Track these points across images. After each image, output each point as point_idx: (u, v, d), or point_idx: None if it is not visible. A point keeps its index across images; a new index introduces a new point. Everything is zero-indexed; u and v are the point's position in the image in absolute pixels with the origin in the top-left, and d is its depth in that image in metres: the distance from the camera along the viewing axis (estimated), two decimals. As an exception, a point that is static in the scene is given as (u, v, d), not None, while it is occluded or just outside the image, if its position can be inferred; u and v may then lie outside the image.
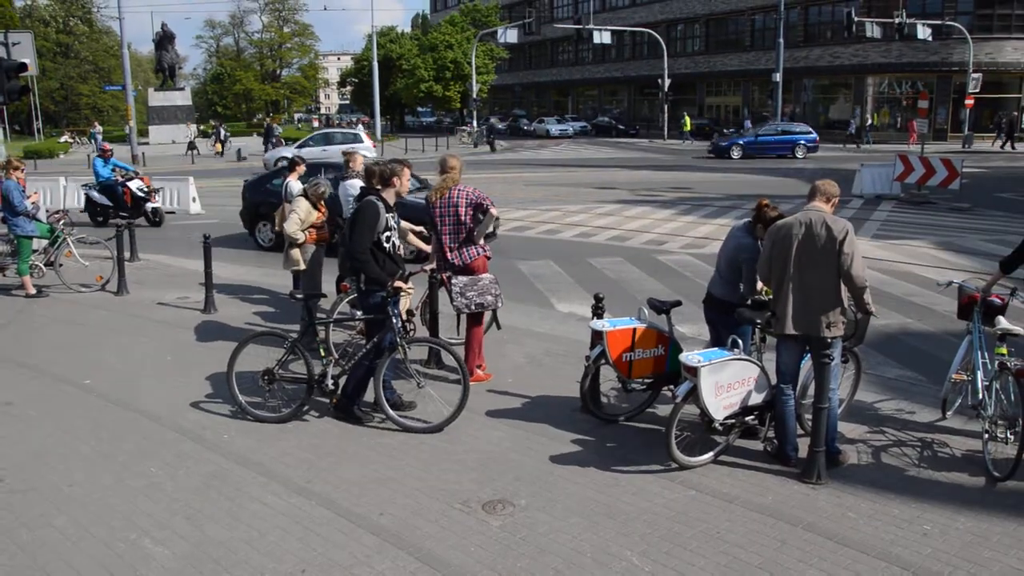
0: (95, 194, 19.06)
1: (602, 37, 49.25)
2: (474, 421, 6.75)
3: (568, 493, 5.53)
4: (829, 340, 5.70)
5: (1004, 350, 6.09)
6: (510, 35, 49.73)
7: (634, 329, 6.54)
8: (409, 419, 6.73)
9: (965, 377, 6.63)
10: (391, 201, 6.81)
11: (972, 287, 6.81)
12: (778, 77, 44.11)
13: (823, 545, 4.85)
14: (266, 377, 6.87)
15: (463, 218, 7.55)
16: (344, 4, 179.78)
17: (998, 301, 6.51)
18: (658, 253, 14.84)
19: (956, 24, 42.18)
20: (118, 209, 18.90)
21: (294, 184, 10.49)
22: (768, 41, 49.68)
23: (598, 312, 7.15)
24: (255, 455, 6.17)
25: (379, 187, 6.82)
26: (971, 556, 4.74)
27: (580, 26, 48.43)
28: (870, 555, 4.74)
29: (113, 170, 19.25)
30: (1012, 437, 5.80)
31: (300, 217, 8.90)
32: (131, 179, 19.18)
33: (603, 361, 6.57)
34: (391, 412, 6.69)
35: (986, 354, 6.38)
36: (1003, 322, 6.28)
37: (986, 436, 5.94)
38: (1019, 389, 5.74)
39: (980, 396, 6.17)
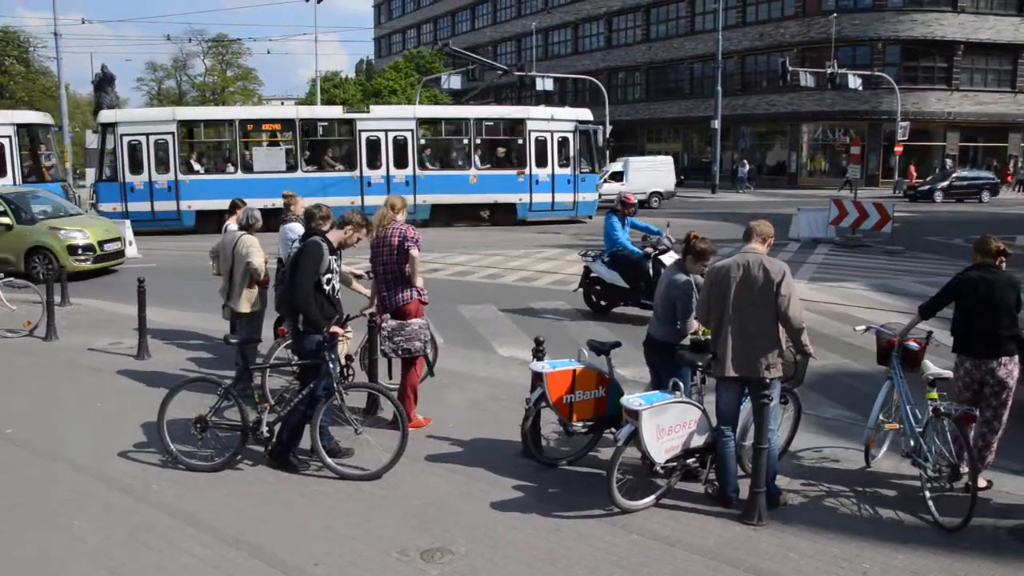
0: (603, 269, 12.45)
1: (544, 84, 49.83)
2: (413, 467, 6.62)
3: (509, 539, 5.43)
4: (768, 381, 5.73)
5: (935, 395, 5.96)
6: (454, 81, 49.91)
7: (574, 371, 6.51)
8: (346, 466, 6.58)
9: (896, 426, 6.54)
10: (335, 243, 6.74)
11: (889, 332, 6.80)
12: (717, 124, 45.32)
13: (764, 588, 4.84)
14: (199, 425, 6.65)
15: (395, 258, 7.47)
16: (288, 49, 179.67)
17: (915, 346, 6.51)
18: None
19: (884, 75, 43.71)
20: (635, 295, 12.22)
21: (233, 227, 10.30)
22: (707, 89, 50.79)
23: (538, 355, 7.10)
24: (186, 505, 5.95)
25: (324, 229, 6.75)
26: (910, 596, 4.76)
27: (523, 73, 48.98)
28: (811, 597, 4.74)
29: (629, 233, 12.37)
30: (956, 484, 5.74)
31: (260, 250, 8.68)
32: (665, 251, 11.87)
33: (544, 404, 6.52)
34: (328, 459, 6.53)
35: (911, 399, 6.33)
36: (931, 367, 6.23)
37: (929, 485, 5.87)
38: (963, 434, 5.71)
39: (913, 444, 6.11)
